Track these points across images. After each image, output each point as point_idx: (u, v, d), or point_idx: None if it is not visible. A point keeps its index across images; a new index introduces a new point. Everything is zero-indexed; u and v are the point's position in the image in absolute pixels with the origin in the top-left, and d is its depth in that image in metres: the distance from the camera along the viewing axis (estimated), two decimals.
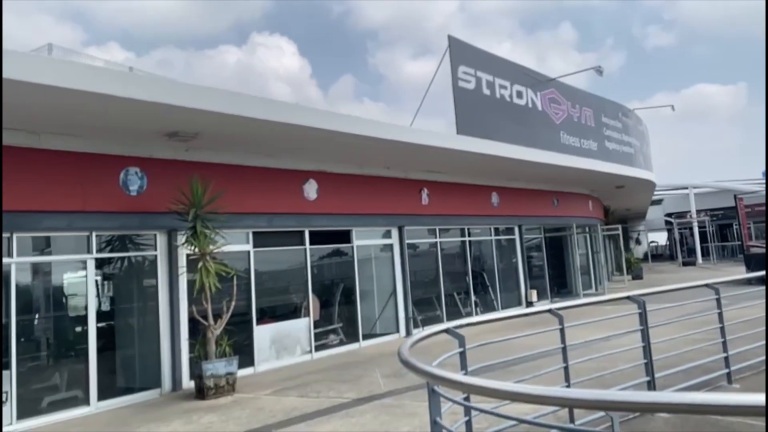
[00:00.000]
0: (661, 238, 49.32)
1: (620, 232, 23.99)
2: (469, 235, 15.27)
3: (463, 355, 4.20)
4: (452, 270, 14.91)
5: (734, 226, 34.16)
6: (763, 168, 30.71)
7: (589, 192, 21.56)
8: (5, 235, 7.33)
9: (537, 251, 18.47)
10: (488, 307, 15.48)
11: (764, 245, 20.19)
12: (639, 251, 40.14)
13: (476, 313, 14.80)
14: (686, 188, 37.11)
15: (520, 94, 15.49)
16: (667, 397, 1.92)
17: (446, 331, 4.15)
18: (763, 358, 6.24)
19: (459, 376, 2.59)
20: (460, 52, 13.62)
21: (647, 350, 5.71)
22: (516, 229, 16.96)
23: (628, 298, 5.92)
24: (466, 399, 3.95)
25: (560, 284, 19.61)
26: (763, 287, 7.24)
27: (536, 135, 15.67)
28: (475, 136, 12.78)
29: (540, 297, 17.06)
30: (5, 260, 7.37)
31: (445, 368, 3.22)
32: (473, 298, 15.10)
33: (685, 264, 33.78)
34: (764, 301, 6.18)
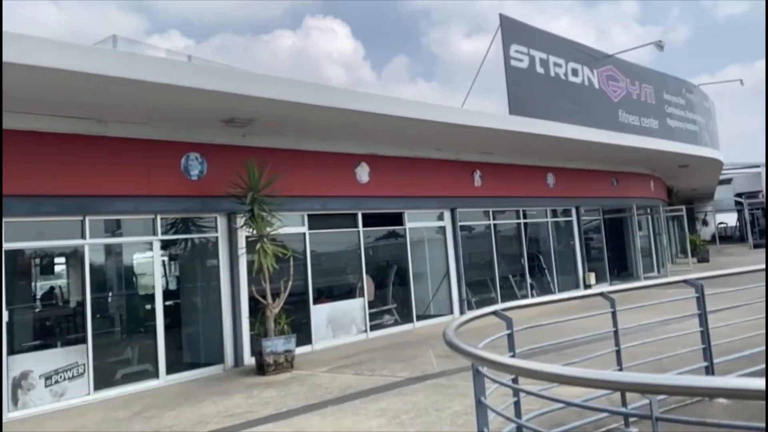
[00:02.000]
0: (730, 219, 47.05)
1: (684, 213, 23.06)
2: (525, 217, 15.10)
3: (510, 336, 4.24)
4: (507, 252, 14.82)
5: None
6: None
7: (651, 172, 20.83)
8: (78, 218, 7.83)
9: (596, 233, 18.08)
10: (544, 290, 15.31)
11: None
12: (706, 233, 38.49)
13: (532, 296, 14.67)
14: (758, 167, 35.18)
15: (575, 72, 15.08)
16: (711, 381, 1.93)
17: (494, 313, 4.21)
18: None
19: (498, 357, 2.66)
20: (512, 31, 13.38)
21: (705, 335, 5.56)
22: (573, 211, 16.64)
23: (684, 281, 5.77)
24: (514, 381, 4.01)
25: (620, 267, 19.14)
26: None
27: (592, 114, 15.25)
28: (528, 116, 12.59)
29: (599, 280, 16.72)
30: (79, 241, 7.89)
31: (494, 350, 3.29)
32: (529, 280, 14.98)
33: (756, 246, 32.21)
34: None
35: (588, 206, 17.20)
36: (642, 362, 5.41)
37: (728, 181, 37.65)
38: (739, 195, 38.70)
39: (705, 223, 39.88)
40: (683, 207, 23.49)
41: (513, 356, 4.16)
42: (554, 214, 16.21)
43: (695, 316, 5.76)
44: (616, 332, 5.07)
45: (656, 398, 2.11)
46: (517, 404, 4.19)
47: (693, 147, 18.94)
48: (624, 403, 4.74)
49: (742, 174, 38.54)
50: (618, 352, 5.06)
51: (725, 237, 43.47)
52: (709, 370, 5.52)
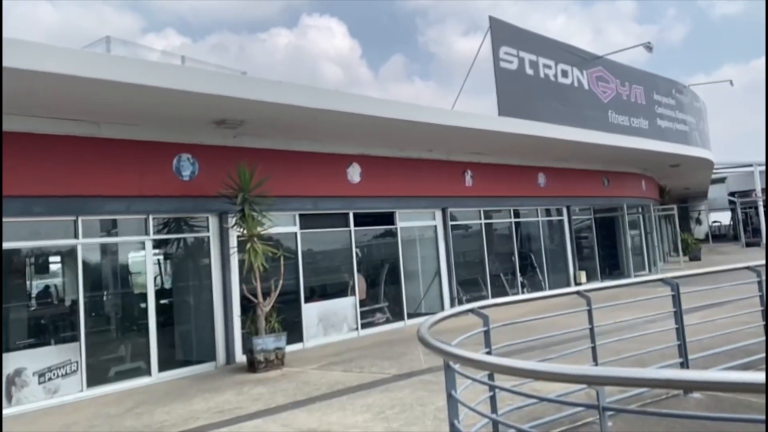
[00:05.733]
0: (724, 217, 47.29)
1: (676, 212, 23.28)
2: (516, 216, 15.28)
3: (487, 334, 4.40)
4: (498, 251, 15.00)
5: None
6: None
7: (642, 171, 21.03)
8: (71, 218, 7.96)
9: (587, 232, 18.27)
10: (536, 288, 15.49)
11: None
12: (700, 231, 38.74)
13: (523, 294, 14.85)
14: (751, 165, 35.39)
15: (565, 73, 15.25)
16: (648, 373, 2.09)
17: (470, 311, 4.36)
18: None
19: (463, 352, 2.81)
20: (501, 33, 13.53)
21: (680, 332, 5.74)
22: (564, 210, 16.82)
23: (661, 280, 5.95)
24: (490, 377, 4.17)
25: (612, 266, 19.32)
26: None
27: (582, 114, 15.42)
28: (517, 117, 12.74)
29: (590, 278, 16.91)
30: (72, 241, 8.02)
31: (477, 347, 3.44)
32: (520, 279, 15.16)
33: (748, 245, 32.44)
34: None
35: (579, 205, 17.38)
36: (618, 358, 5.59)
37: (722, 180, 37.87)
38: (732, 194, 38.92)
39: (698, 221, 40.15)
40: (675, 206, 23.70)
41: (489, 353, 4.32)
42: (545, 213, 16.38)
43: (674, 314, 5.94)
44: (591, 329, 5.24)
45: (603, 389, 2.27)
46: (492, 399, 4.34)
47: (683, 147, 19.14)
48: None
49: (735, 173, 38.76)
50: (594, 349, 5.22)
51: (719, 236, 43.70)
52: (684, 366, 5.69)
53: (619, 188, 19.17)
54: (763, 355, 6.35)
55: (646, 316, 6.33)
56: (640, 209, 20.90)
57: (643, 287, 7.36)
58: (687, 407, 5.33)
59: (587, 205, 17.88)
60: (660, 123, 19.22)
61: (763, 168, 34.58)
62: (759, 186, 34.22)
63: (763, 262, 6.71)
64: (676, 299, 5.76)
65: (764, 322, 5.99)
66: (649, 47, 16.33)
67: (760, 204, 34.05)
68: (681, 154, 18.45)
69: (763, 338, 6.36)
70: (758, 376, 1.75)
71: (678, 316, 5.74)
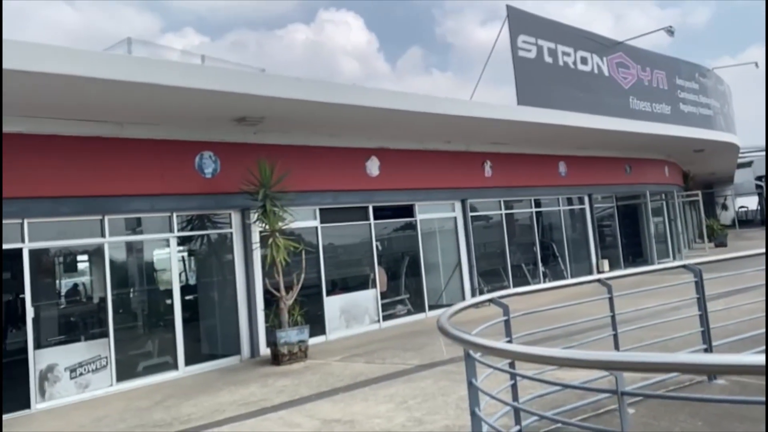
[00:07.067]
0: (751, 202, 46.32)
1: (700, 197, 22.90)
2: (537, 206, 15.20)
3: (507, 323, 4.43)
4: (519, 241, 14.95)
5: None
6: None
7: (665, 157, 20.72)
8: (98, 217, 8.15)
9: (609, 220, 18.11)
10: (558, 278, 15.40)
11: None
12: (726, 217, 38.01)
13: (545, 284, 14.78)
14: None
15: (584, 61, 15.09)
16: (665, 357, 2.10)
17: (491, 300, 4.39)
18: None
19: (482, 340, 2.85)
20: (519, 21, 13.43)
21: (704, 318, 5.69)
22: (586, 198, 16.69)
23: (684, 267, 5.90)
24: (511, 365, 4.20)
25: (635, 254, 19.13)
26: None
27: (603, 102, 15.25)
28: (537, 105, 12.66)
29: (613, 267, 16.77)
30: (99, 240, 8.22)
31: (493, 337, 3.47)
32: (541, 268, 15.10)
33: None
34: None
35: (601, 194, 17.22)
36: (640, 345, 5.57)
37: (748, 164, 37.13)
38: (759, 178, 38.12)
39: (725, 207, 39.38)
40: (699, 192, 23.32)
41: (509, 342, 4.34)
42: (567, 202, 16.27)
43: (697, 300, 5.88)
44: (613, 317, 5.23)
45: (622, 375, 2.29)
46: (514, 388, 4.37)
47: (707, 131, 18.83)
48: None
49: (762, 157, 37.92)
50: (615, 337, 5.21)
51: (746, 221, 42.85)
52: (708, 352, 5.65)
53: (641, 175, 18.93)
54: None
55: (668, 303, 6.28)
56: (663, 196, 20.61)
57: (666, 274, 7.30)
58: (712, 393, 5.30)
59: (609, 193, 17.70)
60: (683, 108, 18.91)
61: None
62: None
63: None
64: (699, 285, 5.71)
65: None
66: (670, 31, 16.06)
67: None
68: (705, 139, 18.16)
69: None
70: None
71: (701, 302, 5.69)
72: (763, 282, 6.68)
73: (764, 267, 6.59)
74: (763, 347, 6.00)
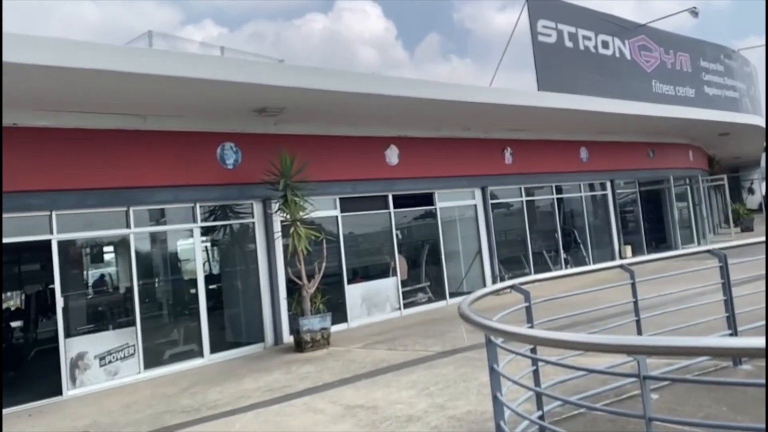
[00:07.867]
0: None
1: (726, 182, 22.49)
2: (558, 192, 15.08)
3: (528, 309, 4.44)
4: (541, 228, 14.87)
5: None
6: None
7: (690, 141, 20.35)
8: (123, 208, 8.31)
9: (632, 206, 17.90)
10: (580, 264, 15.27)
11: None
12: (753, 201, 37.26)
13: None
14: None
15: (605, 44, 14.87)
16: (687, 341, 2.11)
17: (512, 287, 4.40)
18: None
19: (502, 325, 2.88)
20: (538, 6, 13.28)
21: (729, 303, 5.64)
22: (608, 184, 16.50)
23: (708, 251, 5.83)
24: (533, 351, 4.22)
25: (658, 239, 18.88)
26: None
27: (625, 85, 15.04)
28: (557, 91, 12.53)
29: (636, 252, 16.59)
30: (124, 231, 8.38)
31: (514, 323, 3.49)
32: (563, 255, 15.00)
33: None
34: None
35: (623, 179, 17.02)
36: (663, 330, 5.53)
37: None
38: None
39: (751, 191, 38.61)
40: (725, 176, 22.90)
41: (531, 327, 4.36)
42: (588, 188, 16.11)
43: (722, 285, 5.81)
44: (635, 303, 5.20)
45: (644, 359, 2.29)
46: (536, 373, 4.39)
47: (732, 114, 18.43)
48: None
49: None
50: (638, 322, 5.19)
51: None
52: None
53: (664, 160, 18.64)
54: None
55: (692, 289, 6.21)
56: (687, 180, 20.29)
57: (690, 260, 7.22)
58: (737, 377, 5.26)
59: (632, 179, 17.48)
60: (707, 90, 18.54)
61: None
62: None
63: None
64: (725, 270, 5.64)
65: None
66: (694, 12, 15.72)
67: None
68: (730, 122, 17.78)
69: None
70: None
71: (726, 287, 5.63)
72: None
73: None
74: None
